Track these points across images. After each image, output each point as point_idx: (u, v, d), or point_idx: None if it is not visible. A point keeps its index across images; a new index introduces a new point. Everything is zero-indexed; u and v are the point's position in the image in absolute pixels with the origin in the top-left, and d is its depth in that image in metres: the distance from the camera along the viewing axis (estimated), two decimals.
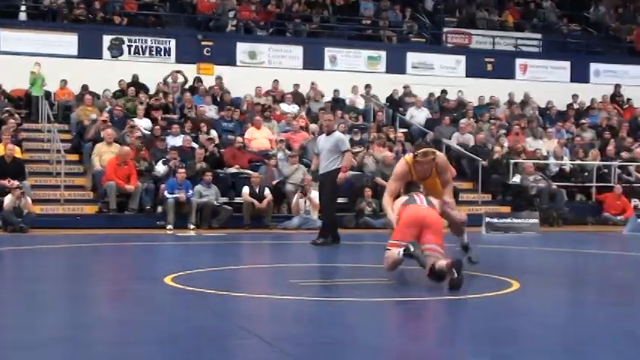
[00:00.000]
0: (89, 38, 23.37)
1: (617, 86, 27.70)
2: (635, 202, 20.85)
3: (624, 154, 22.63)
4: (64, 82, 21.95)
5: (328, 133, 13.64)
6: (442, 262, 8.26)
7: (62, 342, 5.90)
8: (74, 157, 19.54)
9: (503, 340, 6.17)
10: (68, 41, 23.12)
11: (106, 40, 23.48)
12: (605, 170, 21.57)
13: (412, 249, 8.43)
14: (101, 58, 23.37)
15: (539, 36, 29.36)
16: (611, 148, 22.50)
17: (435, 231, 8.74)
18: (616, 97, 27.47)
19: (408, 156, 9.58)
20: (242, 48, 24.66)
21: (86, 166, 18.74)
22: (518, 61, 27.41)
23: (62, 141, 19.62)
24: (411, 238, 8.56)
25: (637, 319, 7.18)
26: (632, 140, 23.62)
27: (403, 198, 9.23)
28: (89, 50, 23.19)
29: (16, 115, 19.90)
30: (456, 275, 8.06)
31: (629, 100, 27.60)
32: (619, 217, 19.98)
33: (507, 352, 5.71)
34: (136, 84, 22.20)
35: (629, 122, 25.43)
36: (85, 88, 21.62)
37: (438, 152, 9.54)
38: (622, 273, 11.05)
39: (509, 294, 8.31)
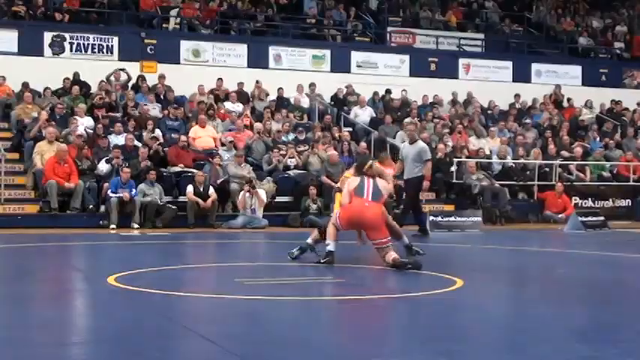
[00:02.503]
0: (30, 35, 22.98)
1: (558, 86, 28.11)
2: (575, 200, 21.19)
3: (564, 153, 22.98)
4: (2, 78, 21.55)
5: (412, 142, 14.74)
6: (390, 257, 9.89)
7: (3, 343, 5.80)
8: (14, 155, 19.21)
9: (448, 337, 6.22)
10: (8, 38, 22.72)
11: (47, 37, 23.11)
12: (547, 169, 21.86)
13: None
14: (42, 56, 23.00)
15: (481, 36, 29.66)
16: (552, 147, 22.82)
17: (375, 229, 10.08)
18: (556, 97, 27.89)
19: (348, 173, 11.07)
20: (186, 46, 24.47)
21: (27, 164, 18.45)
22: (462, 61, 27.63)
23: (2, 139, 19.26)
24: (350, 229, 10.52)
25: (578, 316, 7.30)
26: (572, 139, 23.99)
27: (355, 181, 10.31)
28: (30, 47, 22.80)
29: None
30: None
31: (569, 100, 28.02)
32: (560, 215, 20.25)
33: (452, 348, 5.75)
34: (78, 82, 21.90)
35: (570, 122, 25.82)
36: (25, 85, 21.26)
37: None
38: (563, 270, 11.21)
39: (453, 291, 8.38)
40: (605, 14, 33.46)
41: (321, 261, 10.16)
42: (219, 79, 23.56)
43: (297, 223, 17.89)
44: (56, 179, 16.73)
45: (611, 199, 21.90)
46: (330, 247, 10.26)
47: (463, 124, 23.38)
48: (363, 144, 20.96)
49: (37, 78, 21.60)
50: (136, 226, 16.75)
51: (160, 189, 17.50)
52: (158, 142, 18.96)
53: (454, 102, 25.95)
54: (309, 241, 10.97)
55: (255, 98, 23.68)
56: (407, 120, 16.03)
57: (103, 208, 17.23)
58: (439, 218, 17.58)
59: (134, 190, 16.96)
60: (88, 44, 23.44)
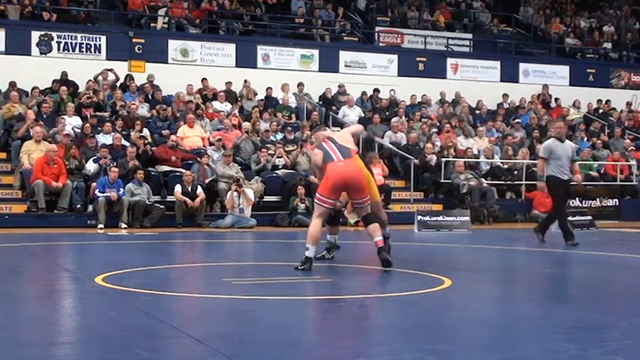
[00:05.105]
0: (17, 34, 22.91)
1: (545, 86, 28.19)
2: None
3: None
4: None
5: (562, 140, 14.16)
6: (376, 239, 9.79)
7: None
8: (1, 155, 19.18)
9: (436, 336, 6.23)
10: None
11: (35, 36, 23.04)
12: (535, 169, 21.89)
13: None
14: (30, 55, 22.92)
15: (469, 36, 29.74)
16: (540, 147, 22.80)
17: (357, 190, 9.85)
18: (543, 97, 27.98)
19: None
20: (174, 45, 24.44)
21: (14, 164, 18.40)
22: (450, 61, 27.69)
23: None
24: (337, 197, 9.98)
25: (565, 315, 7.32)
26: None
27: (319, 152, 10.11)
28: (17, 46, 22.73)
29: None
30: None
31: (556, 99, 28.11)
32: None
33: (440, 348, 5.76)
34: (65, 81, 21.84)
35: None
36: (12, 84, 21.18)
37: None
38: (550, 269, 11.24)
39: (441, 291, 8.40)
40: (593, 14, 33.59)
41: (299, 268, 9.66)
42: (203, 78, 23.51)
43: (286, 223, 17.92)
44: (44, 179, 16.68)
45: (598, 199, 21.97)
46: (309, 253, 9.71)
47: (451, 124, 23.42)
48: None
49: (24, 77, 21.55)
50: (123, 225, 16.73)
51: (148, 188, 17.48)
52: (146, 142, 18.92)
53: (442, 102, 26.00)
54: (329, 238, 10.87)
55: (244, 98, 23.67)
56: (558, 122, 15.37)
57: (90, 207, 17.22)
58: (427, 218, 17.63)
59: (122, 190, 16.93)
60: (76, 43, 23.37)
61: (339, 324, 6.85)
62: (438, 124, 23.96)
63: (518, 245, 15.17)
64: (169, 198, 17.77)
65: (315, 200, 9.97)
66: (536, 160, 21.97)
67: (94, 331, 6.27)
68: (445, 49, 28.33)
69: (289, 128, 21.67)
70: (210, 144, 19.97)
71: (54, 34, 23.20)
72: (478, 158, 22.24)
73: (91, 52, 23.47)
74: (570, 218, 18.17)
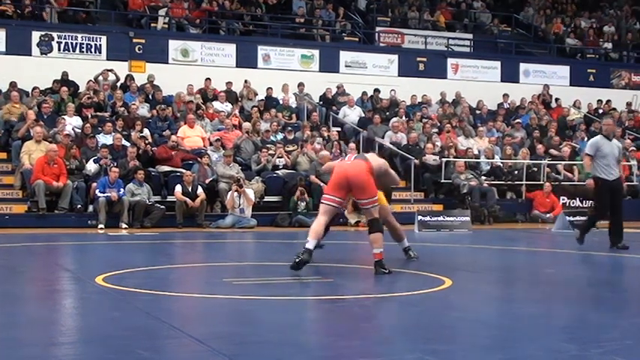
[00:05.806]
0: (17, 34, 22.91)
1: (545, 86, 28.19)
2: (563, 199, 21.24)
3: (553, 152, 23.03)
4: None
5: (610, 139, 13.57)
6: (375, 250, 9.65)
7: None
8: (2, 155, 19.18)
9: (436, 337, 6.23)
10: None
11: (35, 36, 23.04)
12: (535, 169, 21.92)
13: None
14: (30, 55, 22.92)
15: (470, 36, 29.73)
16: (540, 147, 22.87)
17: (360, 188, 9.69)
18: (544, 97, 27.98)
19: None
20: (174, 46, 24.43)
21: (15, 164, 18.40)
22: (450, 61, 27.67)
23: None
24: (341, 195, 9.83)
25: (566, 315, 7.32)
26: (560, 139, 24.06)
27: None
28: (18, 46, 22.73)
29: None
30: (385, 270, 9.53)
31: (557, 100, 28.11)
32: (548, 215, 20.32)
33: (440, 348, 5.76)
34: (66, 81, 21.85)
35: (558, 122, 25.90)
36: (12, 85, 21.18)
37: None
38: (551, 269, 11.24)
39: (441, 291, 8.40)
40: (593, 15, 33.59)
41: (297, 257, 9.46)
42: (207, 78, 23.52)
43: (286, 223, 17.92)
44: (45, 179, 16.68)
45: None
46: (308, 245, 9.57)
47: (452, 124, 23.42)
48: (352, 144, 20.94)
49: (24, 77, 21.55)
50: (124, 225, 16.73)
51: (149, 189, 17.48)
52: (147, 142, 18.93)
53: (442, 102, 25.99)
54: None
55: (244, 98, 23.67)
56: (607, 120, 14.39)
57: (91, 208, 17.22)
58: (427, 218, 17.63)
59: (122, 190, 16.93)
60: (76, 44, 23.37)
61: (340, 324, 6.85)
62: (439, 124, 23.95)
63: (518, 245, 15.17)
64: (170, 198, 17.77)
65: (322, 199, 9.96)
66: (536, 160, 22.12)
67: (94, 331, 6.28)
68: (445, 49, 28.32)
69: (289, 128, 21.67)
70: (211, 144, 19.98)
71: (54, 35, 23.19)
72: (478, 158, 22.24)
73: (91, 52, 23.46)
74: (570, 218, 18.23)
